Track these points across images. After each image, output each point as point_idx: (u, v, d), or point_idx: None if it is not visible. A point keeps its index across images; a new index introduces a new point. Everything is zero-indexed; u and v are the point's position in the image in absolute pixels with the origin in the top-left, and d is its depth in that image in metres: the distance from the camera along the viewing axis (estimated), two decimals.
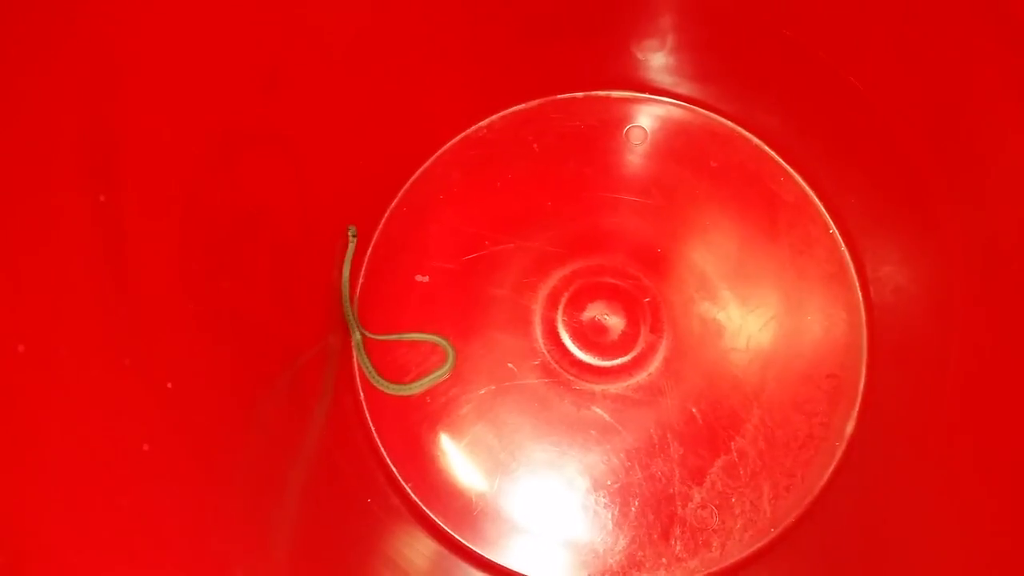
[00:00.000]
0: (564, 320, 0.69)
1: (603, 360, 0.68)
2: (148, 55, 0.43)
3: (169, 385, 0.43)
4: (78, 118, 0.39)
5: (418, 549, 0.63)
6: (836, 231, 0.70)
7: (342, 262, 0.69)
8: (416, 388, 0.67)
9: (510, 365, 0.68)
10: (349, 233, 0.69)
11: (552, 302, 0.69)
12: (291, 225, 0.60)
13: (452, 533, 0.65)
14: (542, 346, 0.68)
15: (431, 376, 0.67)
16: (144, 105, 0.44)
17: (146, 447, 0.40)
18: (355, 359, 0.69)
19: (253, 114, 0.53)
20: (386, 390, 0.67)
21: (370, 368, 0.67)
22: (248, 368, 0.53)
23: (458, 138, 0.74)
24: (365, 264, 0.72)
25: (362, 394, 0.68)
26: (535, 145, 0.73)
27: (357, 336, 0.68)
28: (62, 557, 0.35)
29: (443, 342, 0.68)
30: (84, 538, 0.36)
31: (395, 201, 0.73)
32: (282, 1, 0.52)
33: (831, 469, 0.64)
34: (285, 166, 0.58)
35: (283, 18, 0.53)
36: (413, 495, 0.66)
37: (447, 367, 0.67)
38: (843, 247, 0.69)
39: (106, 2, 0.41)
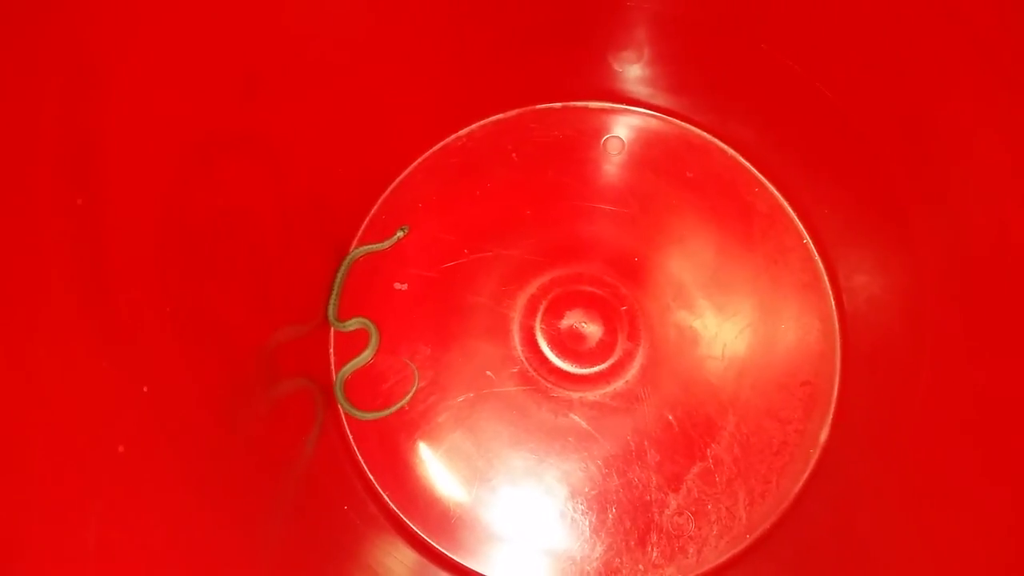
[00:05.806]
0: (542, 328, 0.69)
1: (581, 368, 0.68)
2: (128, 59, 0.43)
3: (145, 389, 0.43)
4: (56, 121, 0.39)
5: (396, 557, 0.63)
6: (810, 241, 0.71)
7: (344, 259, 0.71)
8: (384, 412, 0.67)
9: (488, 373, 0.68)
10: (399, 232, 0.71)
11: (530, 310, 0.69)
12: (270, 230, 0.59)
13: (430, 541, 0.65)
14: (520, 354, 0.69)
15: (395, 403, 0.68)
16: (123, 109, 0.44)
17: (121, 449, 0.40)
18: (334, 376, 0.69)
19: (233, 119, 0.54)
20: (359, 417, 0.67)
21: (342, 397, 0.68)
22: (225, 372, 0.52)
23: (437, 147, 0.75)
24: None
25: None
26: (514, 154, 0.74)
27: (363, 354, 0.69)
28: (36, 558, 0.35)
29: (369, 324, 0.69)
30: (58, 539, 0.36)
31: (374, 208, 0.73)
32: (262, 8, 0.52)
33: (806, 475, 0.65)
34: (264, 171, 0.58)
35: (263, 24, 0.53)
36: (391, 503, 0.66)
37: (369, 352, 0.68)
38: (816, 256, 0.70)
39: (85, 6, 0.41)
